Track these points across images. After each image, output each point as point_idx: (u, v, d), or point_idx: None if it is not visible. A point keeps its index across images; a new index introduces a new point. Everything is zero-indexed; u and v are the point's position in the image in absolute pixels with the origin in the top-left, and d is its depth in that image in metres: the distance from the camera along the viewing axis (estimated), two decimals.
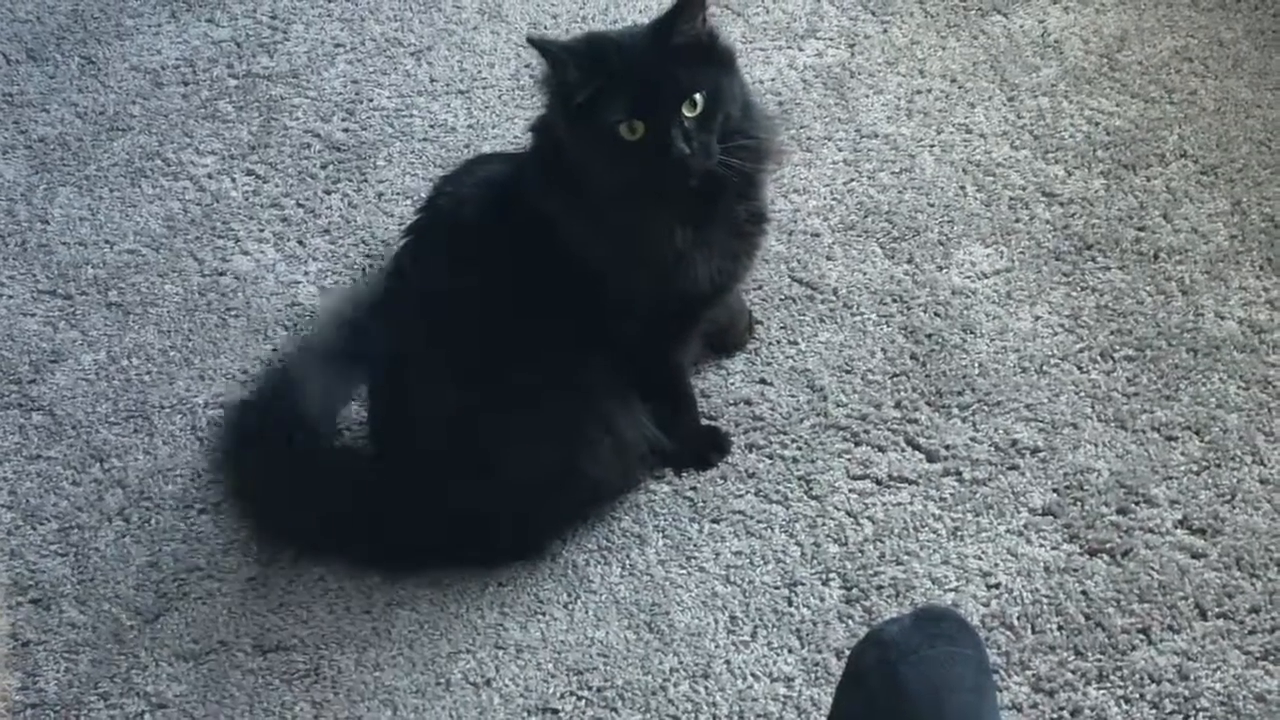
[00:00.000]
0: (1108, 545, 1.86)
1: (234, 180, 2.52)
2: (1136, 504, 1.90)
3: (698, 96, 1.71)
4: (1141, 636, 1.77)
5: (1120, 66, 2.51)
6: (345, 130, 2.59)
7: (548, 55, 1.72)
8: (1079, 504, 1.91)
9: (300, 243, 2.40)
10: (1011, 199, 2.31)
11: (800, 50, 2.63)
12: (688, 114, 1.70)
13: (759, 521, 1.94)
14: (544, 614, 1.88)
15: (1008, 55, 2.56)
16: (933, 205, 2.32)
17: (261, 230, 2.43)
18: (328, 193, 2.48)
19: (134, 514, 2.04)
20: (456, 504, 1.88)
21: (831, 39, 2.64)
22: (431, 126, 2.58)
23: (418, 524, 1.89)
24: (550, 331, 1.83)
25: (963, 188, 2.34)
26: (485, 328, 1.82)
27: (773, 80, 2.57)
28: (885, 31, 2.65)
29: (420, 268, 1.90)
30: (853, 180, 2.38)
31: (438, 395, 1.85)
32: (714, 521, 1.95)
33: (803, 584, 1.87)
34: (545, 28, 2.74)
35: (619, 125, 1.69)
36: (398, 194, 2.46)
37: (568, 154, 1.77)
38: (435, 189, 1.95)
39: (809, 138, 2.45)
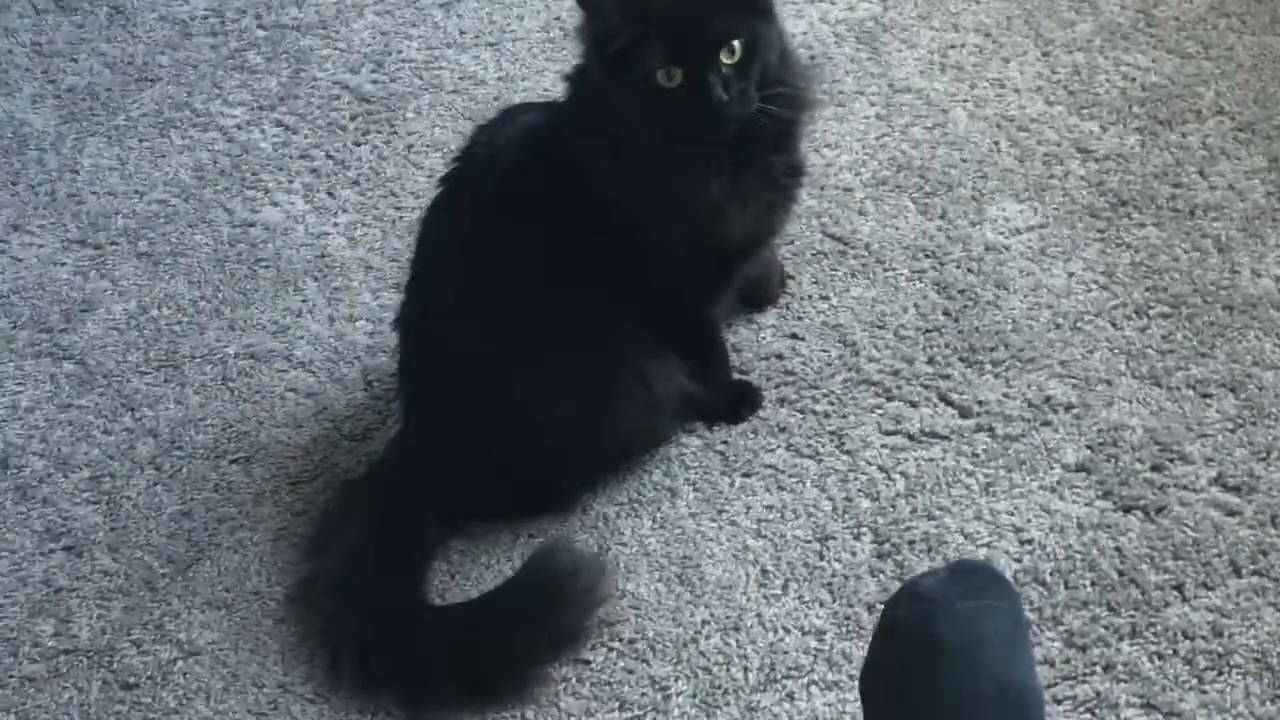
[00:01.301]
0: (1141, 502, 1.85)
1: (263, 131, 2.51)
2: (1171, 461, 1.89)
3: (736, 43, 1.69)
4: (1175, 593, 1.77)
5: (1156, 22, 2.48)
6: (374, 82, 2.58)
7: (584, 2, 1.70)
8: (1113, 461, 1.90)
9: (330, 194, 2.39)
10: (1046, 155, 2.29)
11: (832, 4, 2.61)
12: (726, 61, 1.69)
13: (790, 476, 1.94)
14: None
15: (1042, 10, 2.54)
16: (966, 161, 2.30)
17: (291, 181, 2.42)
18: (357, 144, 2.47)
19: (165, 463, 2.04)
20: (488, 455, 1.87)
21: None
22: (460, 79, 2.57)
23: (450, 476, 1.89)
24: (585, 282, 1.82)
25: (996, 143, 2.32)
26: (519, 277, 1.81)
27: (804, 34, 2.55)
28: None
29: (454, 217, 1.89)
30: (885, 135, 2.36)
31: (470, 345, 1.84)
32: (745, 475, 1.95)
33: (834, 538, 1.86)
34: None
35: (656, 72, 1.68)
36: (427, 146, 2.45)
37: (604, 103, 1.76)
38: (470, 138, 1.94)
39: (841, 92, 2.44)
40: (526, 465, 1.89)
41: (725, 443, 1.98)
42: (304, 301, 2.23)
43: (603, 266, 1.81)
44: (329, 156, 2.45)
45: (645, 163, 1.76)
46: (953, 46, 2.50)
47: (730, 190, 1.78)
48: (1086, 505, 1.86)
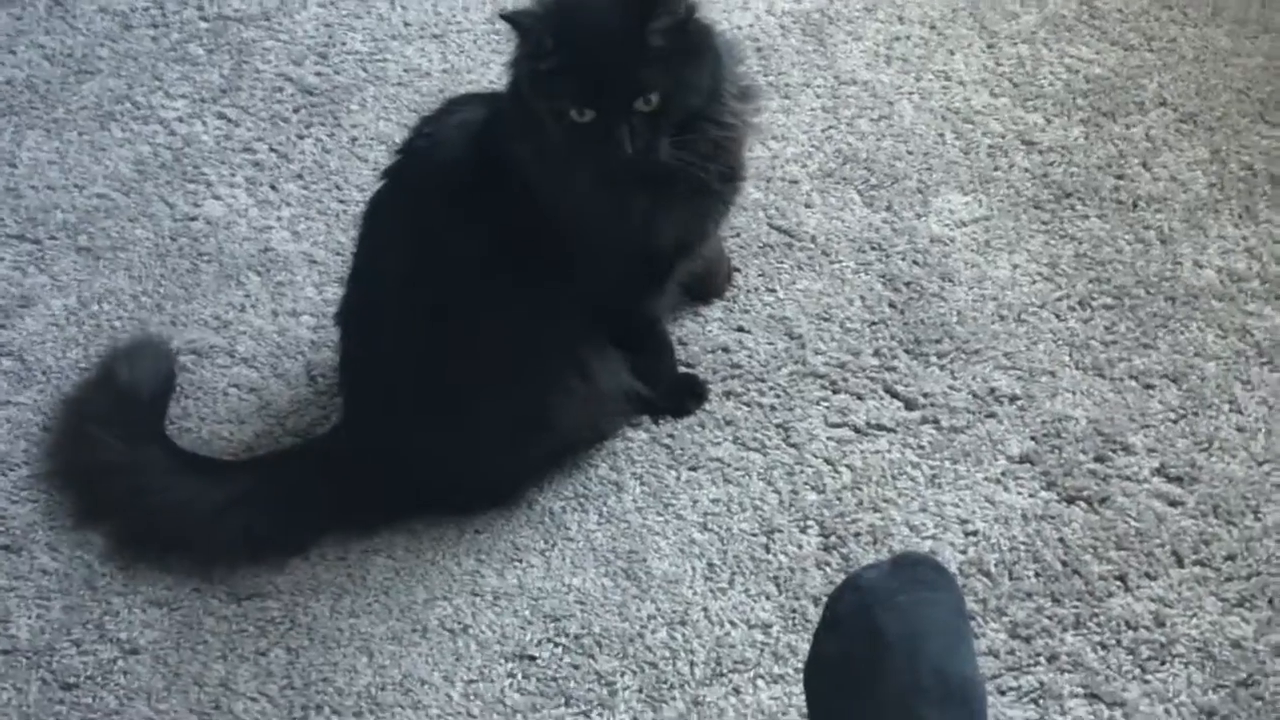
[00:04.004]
0: (1085, 493, 1.86)
1: (205, 124, 2.49)
2: (1114, 452, 1.90)
3: (652, 96, 1.68)
4: (1118, 583, 1.78)
5: (1100, 14, 2.50)
6: (318, 74, 2.55)
7: (520, 29, 1.70)
8: (1056, 452, 1.91)
9: (273, 187, 2.37)
10: (990, 147, 2.30)
11: None
12: (641, 108, 1.68)
13: (737, 469, 1.93)
14: (521, 561, 1.87)
15: (987, 2, 2.55)
16: (911, 153, 2.30)
17: (233, 175, 2.40)
18: (300, 137, 2.45)
19: None
20: (430, 449, 1.86)
21: None
22: (405, 71, 2.55)
23: (391, 472, 1.87)
24: (525, 277, 1.81)
25: (941, 135, 2.33)
26: (459, 272, 1.80)
27: (750, 26, 2.55)
28: None
29: (395, 211, 1.88)
30: (831, 127, 2.36)
31: (410, 339, 1.83)
32: (691, 469, 1.94)
33: (780, 531, 1.86)
34: None
35: (570, 109, 1.68)
36: (371, 139, 2.43)
37: (531, 108, 1.75)
38: (414, 131, 1.93)
39: (787, 84, 2.43)
40: (468, 460, 1.88)
41: (671, 436, 1.98)
42: (247, 296, 2.21)
43: (542, 262, 1.80)
44: (272, 150, 2.43)
45: (567, 172, 1.75)
46: (898, 39, 2.50)
47: (655, 202, 1.77)
48: (1030, 496, 1.87)
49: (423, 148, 1.88)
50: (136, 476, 1.89)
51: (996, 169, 2.26)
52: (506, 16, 1.71)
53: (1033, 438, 1.92)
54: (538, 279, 1.81)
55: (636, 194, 1.75)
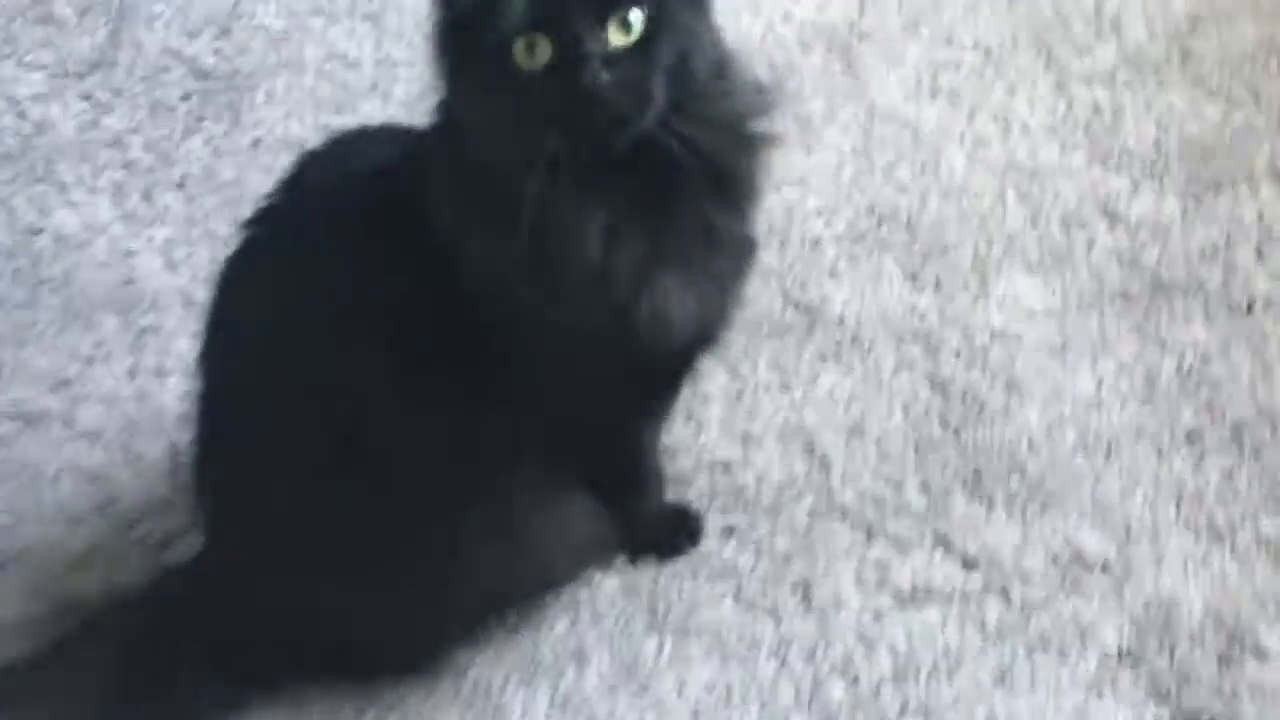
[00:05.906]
0: (1208, 714, 1.39)
1: (65, 106, 2.00)
2: (1240, 653, 1.44)
3: (635, 13, 1.16)
4: None
5: (1193, 57, 2.03)
6: (216, 53, 2.07)
7: None
8: (1166, 648, 1.44)
9: (146, 198, 1.89)
10: (1064, 215, 1.83)
11: (797, 1, 2.13)
12: (617, 40, 1.16)
13: (739, 640, 1.45)
14: None
15: (1054, 30, 2.08)
16: (964, 215, 1.84)
17: (96, 177, 1.91)
18: (188, 133, 1.97)
19: None
20: (314, 594, 1.35)
21: None
22: (329, 57, 2.06)
23: (266, 621, 1.36)
24: (444, 379, 1.29)
25: (1001, 195, 1.86)
26: (350, 367, 1.28)
27: (761, 36, 2.07)
28: None
29: (263, 277, 1.35)
30: (863, 174, 1.89)
31: (280, 458, 1.32)
32: (679, 635, 1.46)
33: None
34: None
35: (515, 42, 1.14)
36: (279, 142, 1.94)
37: (450, 108, 1.25)
38: (298, 166, 1.39)
39: (808, 115, 1.96)
40: (366, 608, 1.37)
41: (654, 583, 1.50)
42: (98, 345, 1.73)
43: (470, 361, 1.28)
44: (149, 147, 1.95)
45: (515, 204, 1.18)
46: (945, 66, 2.03)
47: (653, 253, 1.24)
48: (1134, 708, 1.40)
49: (308, 194, 1.35)
50: None
51: (1072, 245, 1.80)
52: None
53: (1134, 624, 1.46)
54: (460, 382, 1.28)
55: (616, 217, 1.22)
